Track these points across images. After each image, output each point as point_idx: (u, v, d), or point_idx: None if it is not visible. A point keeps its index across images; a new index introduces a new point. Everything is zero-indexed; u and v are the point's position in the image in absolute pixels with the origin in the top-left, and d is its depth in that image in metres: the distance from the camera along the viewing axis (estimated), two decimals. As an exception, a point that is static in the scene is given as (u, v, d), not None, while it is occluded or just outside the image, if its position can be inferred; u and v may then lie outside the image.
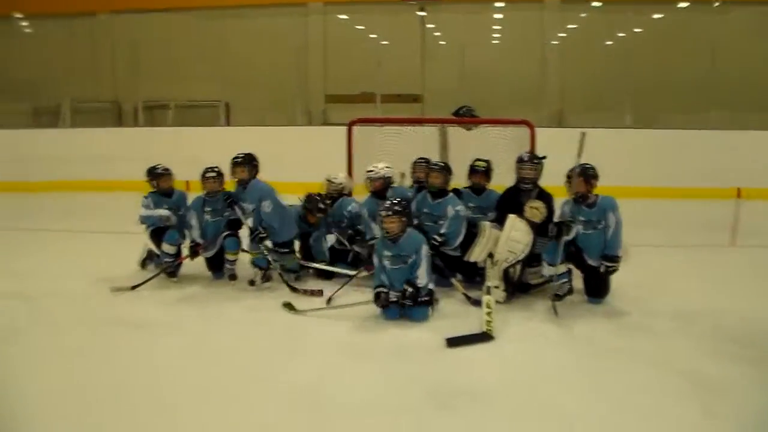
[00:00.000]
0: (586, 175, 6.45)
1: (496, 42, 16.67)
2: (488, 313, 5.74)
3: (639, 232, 6.98)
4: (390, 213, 6.12)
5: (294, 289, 6.76)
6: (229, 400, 4.51)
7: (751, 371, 4.92)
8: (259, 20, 16.54)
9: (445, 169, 7.21)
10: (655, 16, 15.92)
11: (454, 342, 5.49)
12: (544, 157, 7.04)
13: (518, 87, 15.78)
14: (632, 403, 4.48)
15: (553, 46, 16.08)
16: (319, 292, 6.69)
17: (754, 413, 4.34)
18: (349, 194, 7.84)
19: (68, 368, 5.07)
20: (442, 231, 6.93)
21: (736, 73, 14.76)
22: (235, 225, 7.32)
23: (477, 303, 6.19)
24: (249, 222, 7.19)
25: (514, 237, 6.40)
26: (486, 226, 6.55)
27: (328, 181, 7.74)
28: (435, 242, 6.78)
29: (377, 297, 6.04)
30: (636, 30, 16.00)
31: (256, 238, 7.00)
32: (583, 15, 16.35)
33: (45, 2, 16.85)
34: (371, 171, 7.44)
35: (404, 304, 5.99)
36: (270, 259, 7.03)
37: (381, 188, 7.42)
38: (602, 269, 6.45)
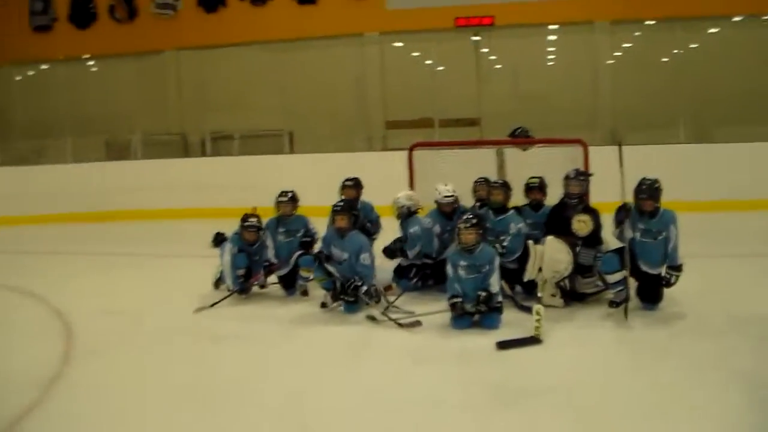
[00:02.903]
0: (654, 196, 6.79)
1: (550, 64, 17.00)
2: (537, 320, 6.13)
3: (692, 243, 7.22)
4: (469, 225, 6.56)
5: (400, 325, 6.65)
6: (306, 396, 5.04)
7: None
8: (318, 51, 17.00)
9: (505, 186, 7.64)
10: (710, 30, 16.11)
11: (504, 345, 5.92)
12: (591, 174, 7.46)
13: (573, 107, 16.03)
14: (686, 398, 4.80)
15: (607, 66, 16.33)
16: (418, 323, 6.66)
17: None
18: (415, 212, 8.12)
19: (159, 374, 5.64)
20: (505, 244, 7.31)
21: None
22: (307, 245, 7.83)
23: (528, 310, 6.53)
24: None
25: (555, 258, 6.85)
26: (531, 246, 6.99)
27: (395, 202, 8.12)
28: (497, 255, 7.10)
29: (453, 306, 6.46)
30: (691, 46, 16.21)
31: (351, 287, 7.06)
32: (636, 34, 16.61)
33: (113, 43, 17.55)
34: (449, 196, 7.83)
35: (479, 311, 6.41)
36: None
37: (452, 210, 7.82)
38: (672, 279, 6.80)
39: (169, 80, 18.12)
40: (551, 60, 17.10)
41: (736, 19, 15.81)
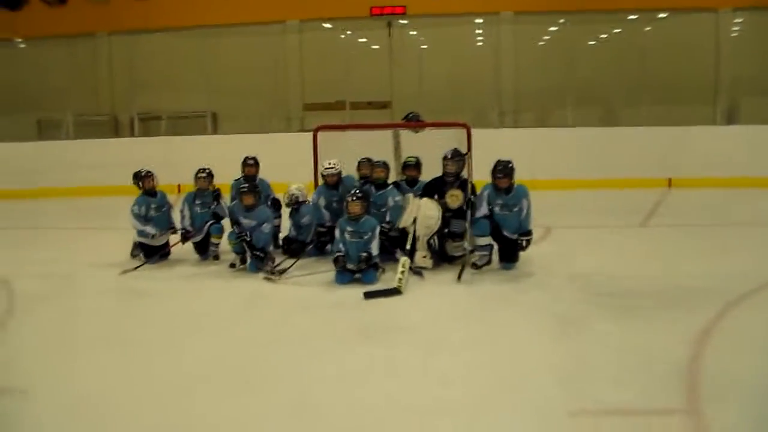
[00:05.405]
0: (509, 174, 8.05)
1: (458, 51, 18.12)
2: (402, 272, 7.46)
3: (566, 216, 8.36)
4: (355, 198, 7.86)
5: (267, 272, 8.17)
6: (206, 339, 6.24)
7: (600, 311, 6.56)
8: (241, 38, 17.92)
9: (386, 165, 8.93)
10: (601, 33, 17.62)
11: (369, 295, 7.17)
12: (466, 154, 8.67)
13: (477, 92, 17.44)
14: (508, 334, 6.14)
15: (511, 55, 17.63)
16: (284, 271, 8.17)
17: (595, 335, 6.00)
18: (303, 202, 9.27)
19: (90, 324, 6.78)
20: (387, 220, 8.51)
21: (667, 74, 16.40)
22: (218, 216, 8.99)
23: (420, 273, 7.90)
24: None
25: (426, 214, 8.16)
26: (409, 197, 8.43)
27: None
28: (384, 228, 8.29)
29: (336, 260, 7.72)
30: (590, 42, 17.63)
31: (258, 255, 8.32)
32: (539, 26, 17.88)
33: (47, 25, 18.04)
34: (331, 167, 9.04)
35: (360, 268, 7.66)
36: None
37: (336, 182, 9.07)
38: (524, 243, 8.06)
39: (100, 63, 18.79)
40: (459, 48, 18.20)
41: (632, 17, 17.13)
